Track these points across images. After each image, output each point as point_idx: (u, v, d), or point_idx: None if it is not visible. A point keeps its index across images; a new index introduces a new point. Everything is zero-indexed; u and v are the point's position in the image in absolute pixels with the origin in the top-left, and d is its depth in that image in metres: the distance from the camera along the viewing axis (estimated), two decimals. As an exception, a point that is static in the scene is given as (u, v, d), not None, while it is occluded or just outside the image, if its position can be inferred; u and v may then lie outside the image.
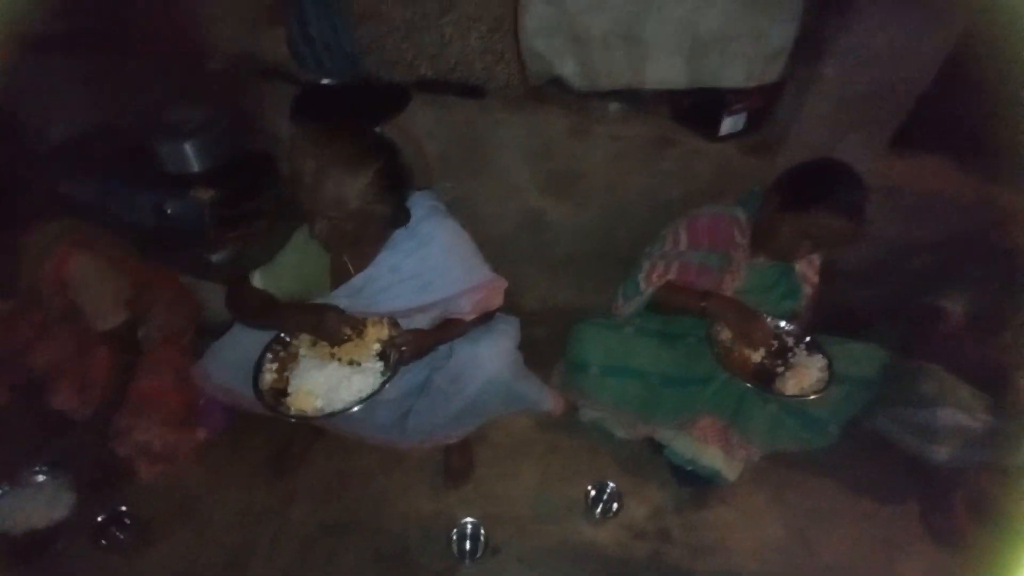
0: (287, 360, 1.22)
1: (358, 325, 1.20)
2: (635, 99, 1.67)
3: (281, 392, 1.16)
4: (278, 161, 2.00)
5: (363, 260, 1.24)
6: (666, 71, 1.58)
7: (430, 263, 1.23)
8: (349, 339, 1.18)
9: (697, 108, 1.65)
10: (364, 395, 1.12)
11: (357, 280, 1.23)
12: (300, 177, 1.02)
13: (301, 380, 1.15)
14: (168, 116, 1.81)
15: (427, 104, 1.71)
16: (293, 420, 1.13)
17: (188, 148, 1.77)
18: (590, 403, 1.62)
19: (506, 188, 1.86)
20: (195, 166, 1.80)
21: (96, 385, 1.45)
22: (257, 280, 1.25)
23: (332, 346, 1.20)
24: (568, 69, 1.57)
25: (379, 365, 1.19)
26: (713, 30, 1.51)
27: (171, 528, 1.42)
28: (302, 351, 1.22)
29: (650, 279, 1.49)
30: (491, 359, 1.29)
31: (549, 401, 1.48)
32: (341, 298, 1.25)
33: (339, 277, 1.27)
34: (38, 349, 1.39)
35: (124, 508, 1.36)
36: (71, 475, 1.44)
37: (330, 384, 1.13)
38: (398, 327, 1.24)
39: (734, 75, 1.56)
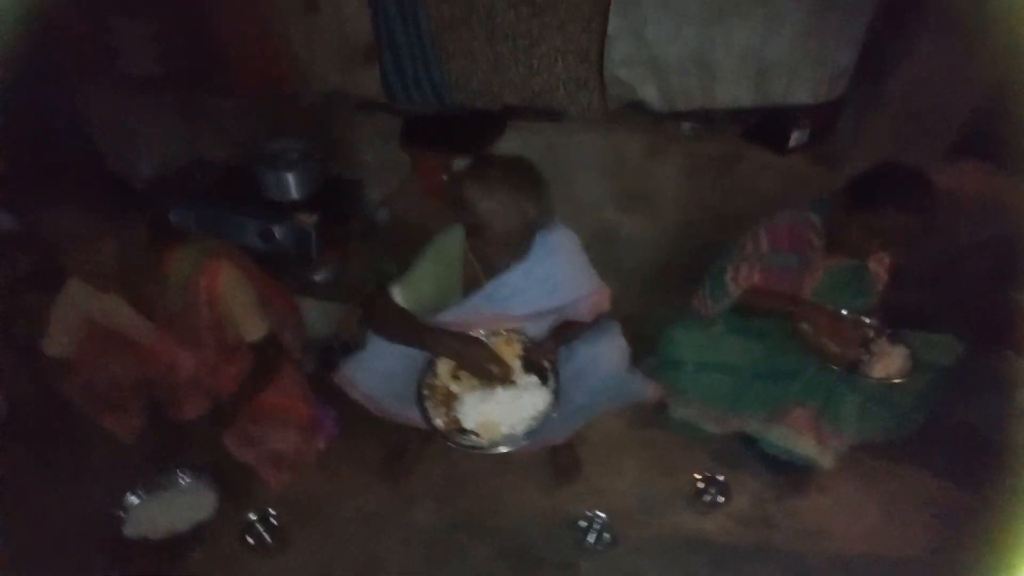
0: (448, 399, 1.27)
1: (502, 361, 1.25)
2: (706, 118, 1.82)
3: (458, 428, 1.22)
4: (364, 186, 2.15)
5: (494, 268, 1.36)
6: (735, 93, 1.74)
7: (558, 269, 1.35)
8: (497, 376, 1.23)
9: (765, 125, 1.80)
10: (541, 409, 1.20)
11: (491, 286, 1.34)
12: (474, 201, 1.16)
13: (475, 414, 1.21)
14: (270, 148, 1.96)
15: (510, 128, 1.87)
16: (491, 452, 1.20)
17: (290, 177, 1.92)
18: (683, 399, 1.72)
19: (582, 204, 2.00)
20: (296, 193, 1.94)
21: (228, 396, 1.53)
22: (395, 292, 1.36)
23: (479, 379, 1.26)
24: (648, 94, 1.72)
25: (533, 379, 1.26)
26: (780, 54, 1.67)
27: (303, 533, 1.50)
28: (453, 388, 1.27)
29: (737, 281, 1.61)
30: (610, 357, 1.39)
31: (649, 390, 1.58)
32: (474, 303, 1.36)
33: (472, 284, 1.38)
34: (182, 365, 1.49)
35: (271, 510, 1.44)
36: (212, 478, 1.52)
37: (504, 410, 1.20)
38: (526, 339, 1.33)
39: (800, 94, 1.71)
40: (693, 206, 1.90)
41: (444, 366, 1.28)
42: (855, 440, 1.66)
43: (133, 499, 1.51)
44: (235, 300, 1.39)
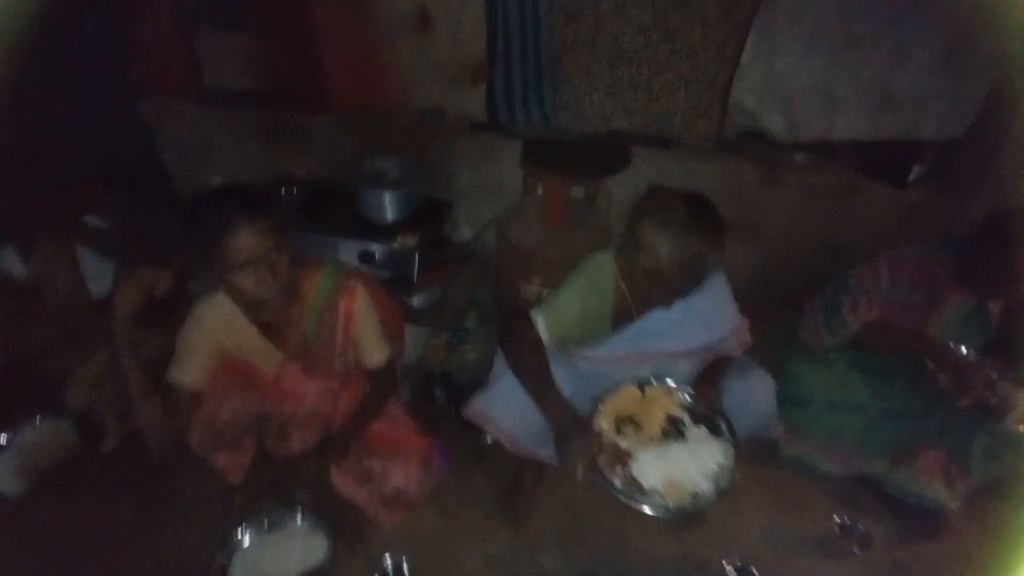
0: (619, 456, 1.15)
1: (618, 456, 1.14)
2: (822, 150, 1.80)
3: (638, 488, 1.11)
4: (457, 207, 2.09)
5: (648, 301, 1.30)
6: (858, 124, 1.73)
7: (712, 302, 1.30)
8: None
9: (884, 158, 1.78)
10: (722, 463, 1.12)
11: (648, 321, 1.28)
12: (649, 238, 1.10)
13: (654, 472, 1.11)
14: (368, 167, 1.89)
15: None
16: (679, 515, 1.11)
17: (389, 197, 1.85)
18: (802, 437, 1.67)
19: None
20: (394, 214, 1.87)
21: (340, 427, 1.45)
22: (539, 319, 1.29)
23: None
24: (773, 122, 1.70)
25: (702, 431, 1.18)
26: (906, 88, 1.66)
27: (423, 578, 1.41)
28: (622, 444, 1.16)
29: (856, 314, 1.57)
30: (762, 394, 1.34)
31: (779, 428, 1.53)
32: (627, 337, 1.30)
33: (621, 316, 1.32)
34: (305, 395, 1.40)
35: (404, 557, 1.35)
36: (324, 519, 1.43)
37: (684, 466, 1.11)
38: (684, 388, 1.25)
39: (925, 129, 1.70)
40: (806, 236, 1.87)
41: (604, 419, 1.21)
42: (982, 482, 1.64)
43: (243, 540, 1.42)
44: (366, 323, 1.32)
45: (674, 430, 1.19)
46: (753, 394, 1.33)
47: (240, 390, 1.33)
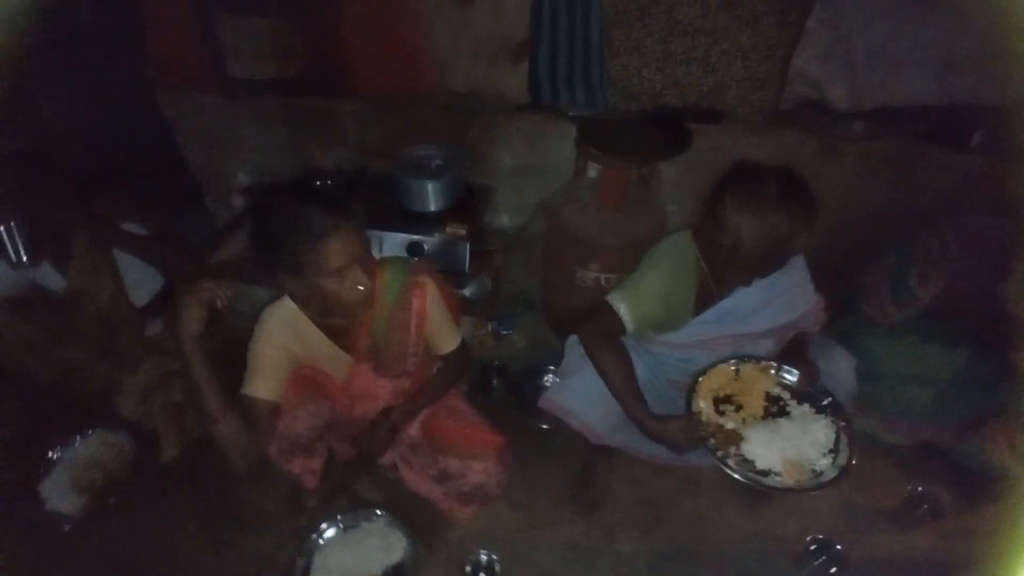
0: (730, 437, 1.12)
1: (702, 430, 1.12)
2: (881, 117, 1.75)
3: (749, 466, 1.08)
4: (497, 192, 2.02)
5: (731, 283, 1.26)
6: (920, 89, 1.66)
7: (795, 281, 1.26)
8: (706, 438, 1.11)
9: (944, 122, 1.73)
10: (831, 439, 1.10)
11: (731, 302, 1.24)
12: (736, 220, 1.06)
13: (768, 453, 1.07)
14: (408, 154, 1.81)
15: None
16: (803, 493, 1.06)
17: (434, 186, 1.77)
18: (871, 411, 1.66)
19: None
20: (439, 203, 1.80)
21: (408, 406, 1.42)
22: (623, 310, 1.25)
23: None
24: (836, 91, 1.64)
25: (806, 407, 1.15)
26: (968, 50, 1.60)
27: (521, 573, 1.40)
28: (728, 424, 1.13)
29: (926, 286, 1.55)
30: (847, 370, 1.32)
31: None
32: (710, 321, 1.26)
33: (704, 300, 1.28)
34: (377, 395, 1.37)
35: (491, 554, 1.34)
36: (400, 518, 1.42)
37: (798, 444, 1.08)
38: (782, 366, 1.21)
39: (987, 92, 1.65)
40: (863, 206, 1.83)
41: (703, 400, 1.18)
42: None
43: (321, 541, 1.40)
44: (438, 318, 1.29)
45: (777, 409, 1.16)
46: (836, 371, 1.30)
47: (313, 397, 1.29)
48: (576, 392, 1.35)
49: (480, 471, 1.41)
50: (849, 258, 1.83)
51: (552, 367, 1.79)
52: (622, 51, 1.67)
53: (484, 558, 1.35)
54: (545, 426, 1.69)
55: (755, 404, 1.16)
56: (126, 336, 1.68)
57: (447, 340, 1.33)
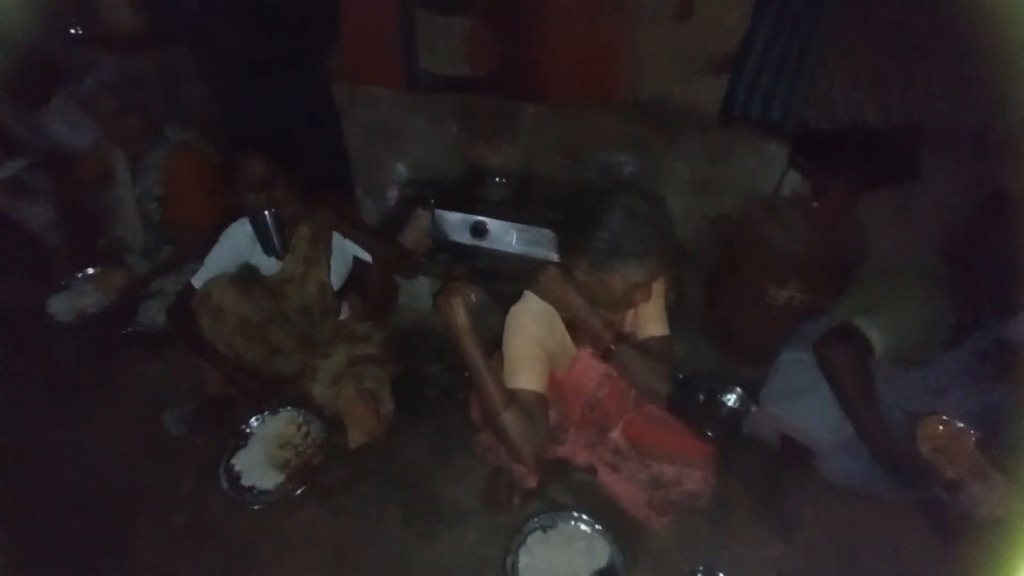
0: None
1: None
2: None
3: None
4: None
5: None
6: None
7: None
8: None
9: None
10: None
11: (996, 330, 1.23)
12: None
13: None
14: (600, 160, 1.82)
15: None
16: None
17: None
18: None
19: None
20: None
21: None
22: (875, 336, 1.21)
23: None
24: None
25: None
26: None
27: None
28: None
29: None
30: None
31: None
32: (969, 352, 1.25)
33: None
34: (592, 380, 1.33)
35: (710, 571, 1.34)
36: (603, 523, 1.42)
37: None
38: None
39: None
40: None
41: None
42: None
43: (527, 541, 1.42)
44: (655, 298, 1.25)
45: None
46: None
47: (553, 395, 1.31)
48: (807, 411, 1.34)
49: (699, 479, 1.39)
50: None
51: (736, 386, 1.78)
52: (838, 72, 1.66)
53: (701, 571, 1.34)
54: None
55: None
56: (325, 322, 1.72)
57: (657, 323, 1.30)
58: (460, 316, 1.10)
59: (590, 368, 1.31)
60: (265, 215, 1.42)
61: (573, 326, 1.25)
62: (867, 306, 1.28)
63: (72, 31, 2.36)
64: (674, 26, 1.69)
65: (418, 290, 2.00)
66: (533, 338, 1.19)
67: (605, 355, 1.21)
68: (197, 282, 1.55)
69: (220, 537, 1.46)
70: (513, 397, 1.13)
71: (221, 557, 1.42)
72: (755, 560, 1.46)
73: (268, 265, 1.61)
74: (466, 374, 1.14)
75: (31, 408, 1.80)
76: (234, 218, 1.57)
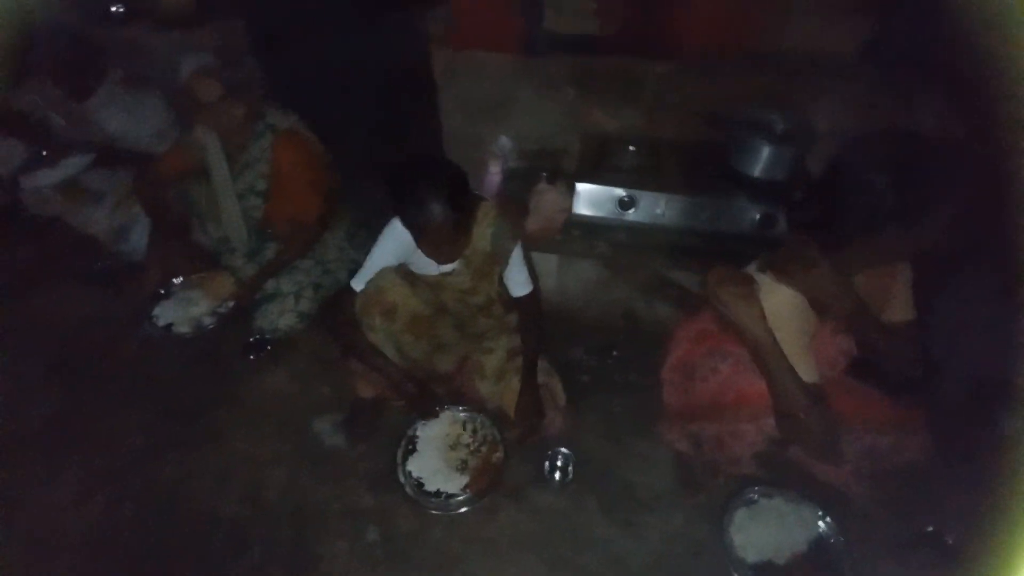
0: None
1: None
2: None
3: None
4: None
5: None
6: None
7: None
8: None
9: None
10: None
11: None
12: None
13: None
14: (742, 118, 1.70)
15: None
16: None
17: (776, 154, 1.69)
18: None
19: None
20: (781, 172, 1.72)
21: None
22: None
23: None
24: None
25: None
26: None
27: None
28: None
29: None
30: None
31: None
32: None
33: None
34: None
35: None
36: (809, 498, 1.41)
37: None
38: None
39: None
40: None
41: None
42: None
43: (735, 517, 1.39)
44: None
45: None
46: None
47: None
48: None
49: (916, 447, 1.38)
50: None
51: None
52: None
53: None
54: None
55: None
56: (487, 316, 1.61)
57: (906, 308, 1.24)
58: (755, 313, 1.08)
59: (829, 345, 1.25)
60: None
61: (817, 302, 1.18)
62: None
63: (113, 8, 2.09)
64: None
65: (547, 270, 1.90)
66: (800, 328, 1.15)
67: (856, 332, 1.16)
68: (358, 284, 1.42)
69: (423, 549, 1.38)
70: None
71: (431, 571, 1.35)
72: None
73: (424, 265, 1.47)
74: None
75: (155, 433, 1.65)
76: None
